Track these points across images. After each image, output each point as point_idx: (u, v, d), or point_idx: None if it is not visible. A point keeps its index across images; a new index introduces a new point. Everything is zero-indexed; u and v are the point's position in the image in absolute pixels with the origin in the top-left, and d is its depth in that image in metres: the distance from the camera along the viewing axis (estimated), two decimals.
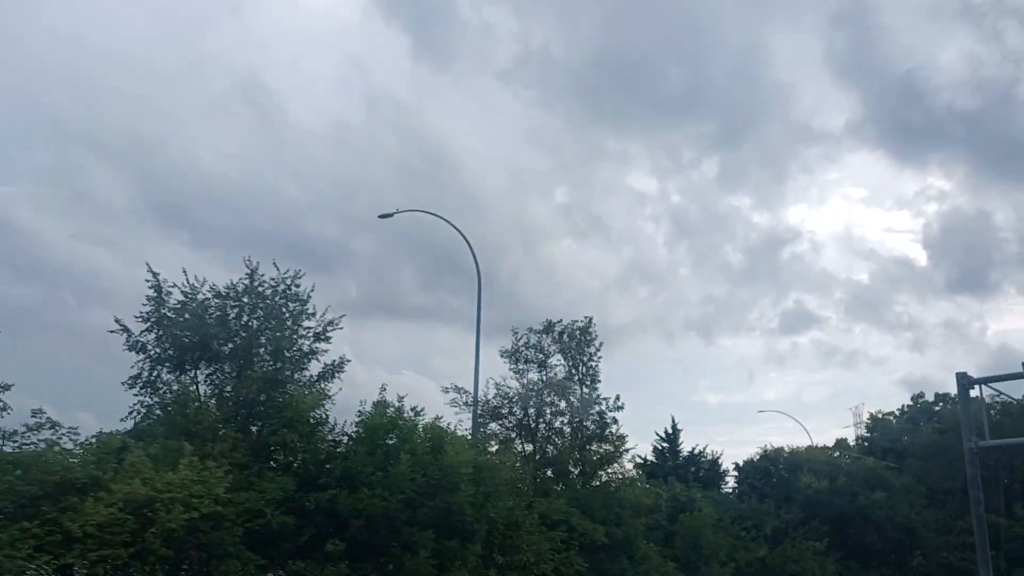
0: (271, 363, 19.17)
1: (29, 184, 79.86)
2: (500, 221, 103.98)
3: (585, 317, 31.46)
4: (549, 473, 28.72)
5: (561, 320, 30.37)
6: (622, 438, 27.47)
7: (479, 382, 30.15)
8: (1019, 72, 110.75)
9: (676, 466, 43.68)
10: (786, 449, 45.07)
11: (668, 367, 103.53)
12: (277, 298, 19.31)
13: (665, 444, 45.18)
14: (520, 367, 29.85)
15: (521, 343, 29.91)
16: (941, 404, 57.11)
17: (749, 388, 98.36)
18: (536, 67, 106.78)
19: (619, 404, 30.79)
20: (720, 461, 45.01)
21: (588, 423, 30.17)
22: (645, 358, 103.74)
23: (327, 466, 17.44)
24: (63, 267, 76.28)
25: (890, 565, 38.49)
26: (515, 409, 28.47)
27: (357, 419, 18.68)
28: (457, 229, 31.68)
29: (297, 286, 19.46)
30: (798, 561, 35.07)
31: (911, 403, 60.39)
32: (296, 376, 19.40)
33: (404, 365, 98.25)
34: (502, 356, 29.96)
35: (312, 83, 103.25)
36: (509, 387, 28.47)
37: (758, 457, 44.80)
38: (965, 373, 27.23)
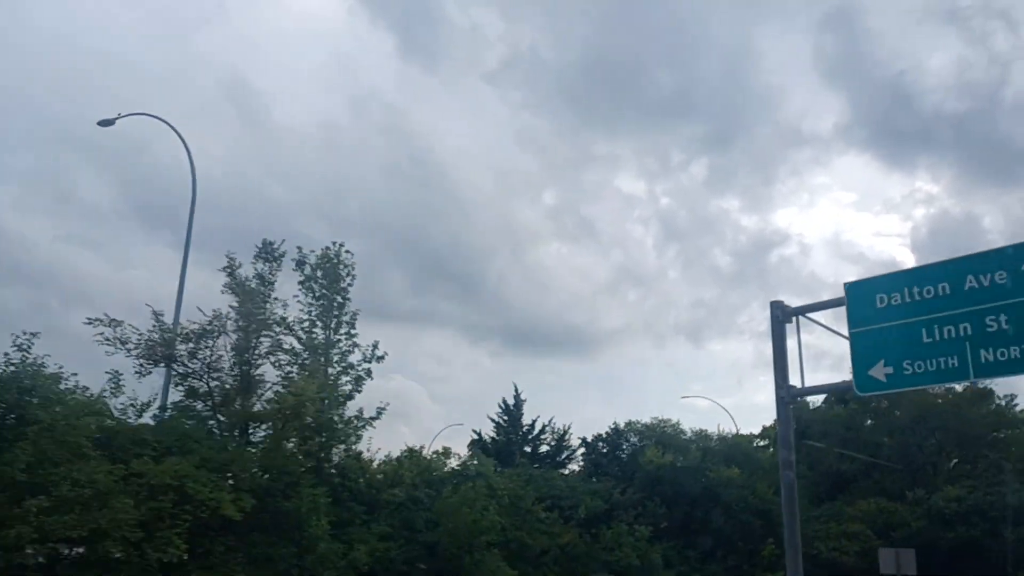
0: None
1: (12, 185, 77.29)
2: (488, 223, 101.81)
3: (335, 243, 25.82)
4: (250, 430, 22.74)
5: (285, 240, 24.38)
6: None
7: (180, 311, 24.61)
8: (1006, 75, 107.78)
9: (510, 441, 37.57)
10: (640, 423, 38.93)
11: (658, 371, 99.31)
12: None
13: (505, 418, 39.01)
14: (244, 302, 23.86)
15: (239, 272, 23.91)
16: None
17: (739, 392, 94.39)
18: (524, 69, 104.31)
19: (378, 354, 25.33)
20: (567, 436, 38.78)
21: (331, 371, 24.67)
22: (635, 362, 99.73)
23: None
24: (46, 269, 73.90)
25: (740, 554, 32.26)
26: (198, 348, 22.21)
27: None
28: (179, 135, 28.41)
29: None
30: (613, 549, 28.91)
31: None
32: None
33: (393, 369, 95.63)
34: (229, 291, 23.88)
35: (298, 84, 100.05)
36: (190, 321, 22.26)
37: (607, 432, 38.62)
38: (781, 302, 21.15)
